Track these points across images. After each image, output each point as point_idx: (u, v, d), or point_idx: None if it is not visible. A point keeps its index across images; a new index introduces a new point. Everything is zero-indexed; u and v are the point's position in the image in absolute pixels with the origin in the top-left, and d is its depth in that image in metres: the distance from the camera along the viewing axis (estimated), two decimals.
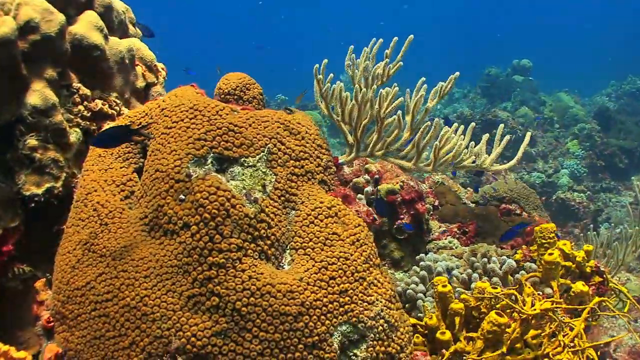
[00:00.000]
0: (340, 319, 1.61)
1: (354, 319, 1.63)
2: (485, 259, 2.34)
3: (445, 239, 2.98)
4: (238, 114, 1.75)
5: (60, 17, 1.81)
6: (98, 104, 1.95)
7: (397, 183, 2.82)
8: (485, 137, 1.95)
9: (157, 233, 1.62)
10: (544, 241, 2.22)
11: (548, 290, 2.13)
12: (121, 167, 1.79)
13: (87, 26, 1.93)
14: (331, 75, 1.88)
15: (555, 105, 11.06)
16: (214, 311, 1.53)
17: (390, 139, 1.90)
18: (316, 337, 1.57)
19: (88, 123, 1.92)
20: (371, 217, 2.25)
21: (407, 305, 2.58)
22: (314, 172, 1.80)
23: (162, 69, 2.34)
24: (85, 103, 1.91)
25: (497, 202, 3.41)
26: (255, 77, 2.03)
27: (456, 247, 2.93)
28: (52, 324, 1.73)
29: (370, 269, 1.73)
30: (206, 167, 1.65)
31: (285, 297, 1.55)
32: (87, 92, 1.93)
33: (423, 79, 1.90)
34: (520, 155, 1.97)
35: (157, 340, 1.52)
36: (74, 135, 1.88)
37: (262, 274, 1.57)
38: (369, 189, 2.85)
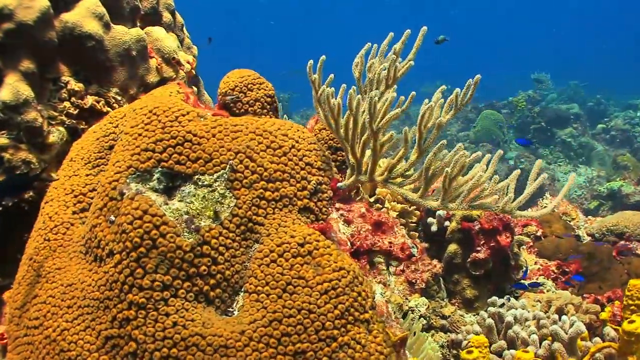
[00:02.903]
0: None
1: None
2: (556, 316, 1.87)
3: (537, 278, 2.50)
4: (204, 121, 1.51)
5: (41, 3, 1.69)
6: (89, 100, 1.82)
7: None
8: (516, 173, 1.51)
9: (89, 257, 1.45)
10: (631, 302, 1.71)
11: None
12: (87, 175, 1.63)
13: (82, 13, 1.81)
14: (331, 76, 1.56)
15: None
16: (131, 359, 1.32)
17: (394, 161, 1.54)
18: None
19: (75, 121, 1.80)
20: (407, 253, 1.90)
21: None
22: (294, 198, 1.50)
23: (188, 62, 2.16)
24: (73, 99, 1.78)
25: (615, 237, 2.83)
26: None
27: (548, 291, 2.45)
28: (5, 340, 1.63)
29: (348, 326, 1.40)
30: (151, 183, 1.43)
31: (217, 352, 1.30)
32: (77, 86, 1.80)
33: (443, 87, 1.52)
34: (557, 201, 1.50)
35: None
36: (56, 135, 1.76)
37: (192, 320, 1.32)
38: (442, 212, 2.47)
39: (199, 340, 1.30)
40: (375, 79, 1.57)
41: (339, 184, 1.56)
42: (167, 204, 1.39)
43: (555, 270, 2.52)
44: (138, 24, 2.08)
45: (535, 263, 2.60)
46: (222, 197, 1.44)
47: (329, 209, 1.56)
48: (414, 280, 2.38)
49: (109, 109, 1.86)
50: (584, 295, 2.42)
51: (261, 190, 1.47)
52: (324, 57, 1.56)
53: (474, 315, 2.42)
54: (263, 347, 1.32)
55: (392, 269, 2.46)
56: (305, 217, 1.52)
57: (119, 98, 1.91)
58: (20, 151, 1.69)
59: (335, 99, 1.50)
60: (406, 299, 2.35)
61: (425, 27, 1.58)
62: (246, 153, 1.48)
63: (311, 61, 1.55)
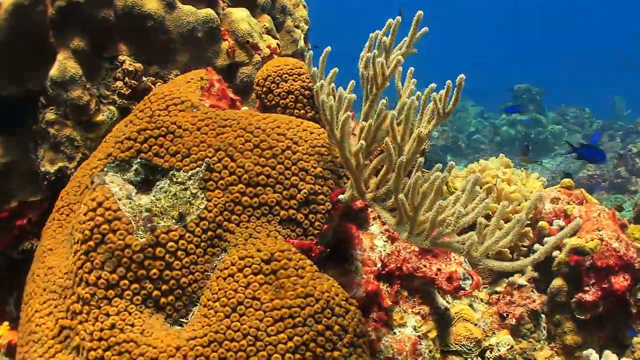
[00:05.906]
0: None
1: None
2: None
3: None
4: (194, 113, 1.44)
5: None
6: (144, 81, 1.85)
7: (592, 239, 2.04)
8: (483, 205, 1.18)
9: (69, 243, 1.47)
10: None
11: None
12: None
13: None
14: (334, 70, 1.37)
15: None
16: (75, 354, 1.33)
17: (379, 178, 1.31)
18: None
19: (127, 102, 1.84)
20: (454, 285, 1.65)
21: None
22: (277, 206, 1.37)
23: (269, 47, 2.08)
24: (127, 79, 1.83)
25: None
26: None
27: None
28: None
29: None
30: (128, 174, 1.41)
31: None
32: (133, 66, 1.84)
33: (433, 85, 1.25)
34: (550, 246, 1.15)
35: None
36: (106, 114, 1.83)
37: (132, 325, 1.29)
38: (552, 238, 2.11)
39: (132, 348, 1.26)
40: (367, 77, 1.36)
41: (340, 197, 1.39)
42: (131, 198, 1.36)
43: None
44: (220, 3, 2.06)
45: None
46: (193, 197, 1.37)
47: (325, 223, 1.40)
48: (505, 314, 2.09)
49: None
50: None
51: (237, 194, 1.37)
52: (329, 48, 1.39)
53: None
54: None
55: (483, 296, 2.20)
56: (289, 230, 1.38)
57: None
58: (65, 128, 1.79)
59: (337, 96, 1.31)
60: (493, 333, 2.08)
61: (420, 12, 1.31)
62: (227, 151, 1.39)
63: (311, 52, 1.39)
